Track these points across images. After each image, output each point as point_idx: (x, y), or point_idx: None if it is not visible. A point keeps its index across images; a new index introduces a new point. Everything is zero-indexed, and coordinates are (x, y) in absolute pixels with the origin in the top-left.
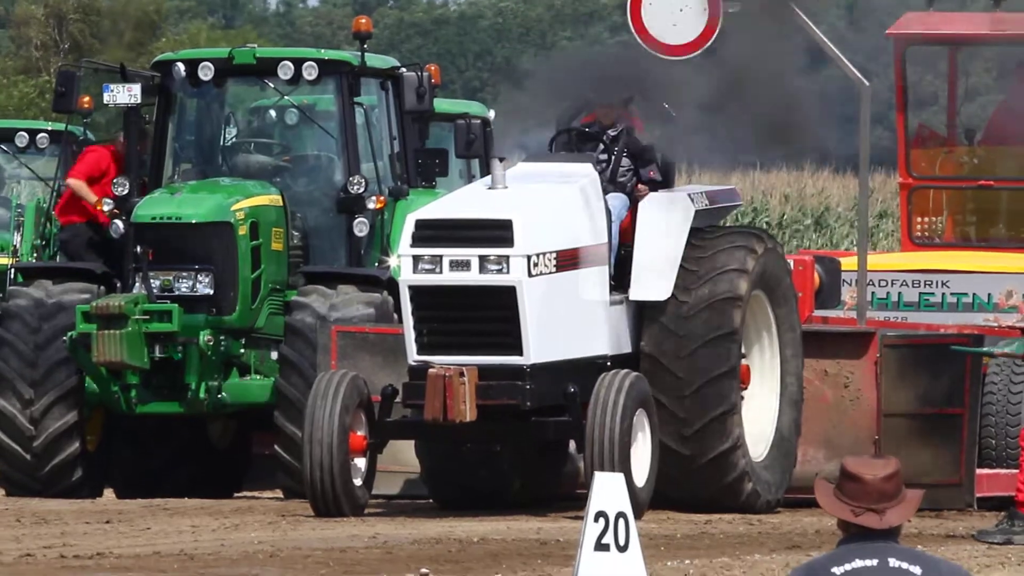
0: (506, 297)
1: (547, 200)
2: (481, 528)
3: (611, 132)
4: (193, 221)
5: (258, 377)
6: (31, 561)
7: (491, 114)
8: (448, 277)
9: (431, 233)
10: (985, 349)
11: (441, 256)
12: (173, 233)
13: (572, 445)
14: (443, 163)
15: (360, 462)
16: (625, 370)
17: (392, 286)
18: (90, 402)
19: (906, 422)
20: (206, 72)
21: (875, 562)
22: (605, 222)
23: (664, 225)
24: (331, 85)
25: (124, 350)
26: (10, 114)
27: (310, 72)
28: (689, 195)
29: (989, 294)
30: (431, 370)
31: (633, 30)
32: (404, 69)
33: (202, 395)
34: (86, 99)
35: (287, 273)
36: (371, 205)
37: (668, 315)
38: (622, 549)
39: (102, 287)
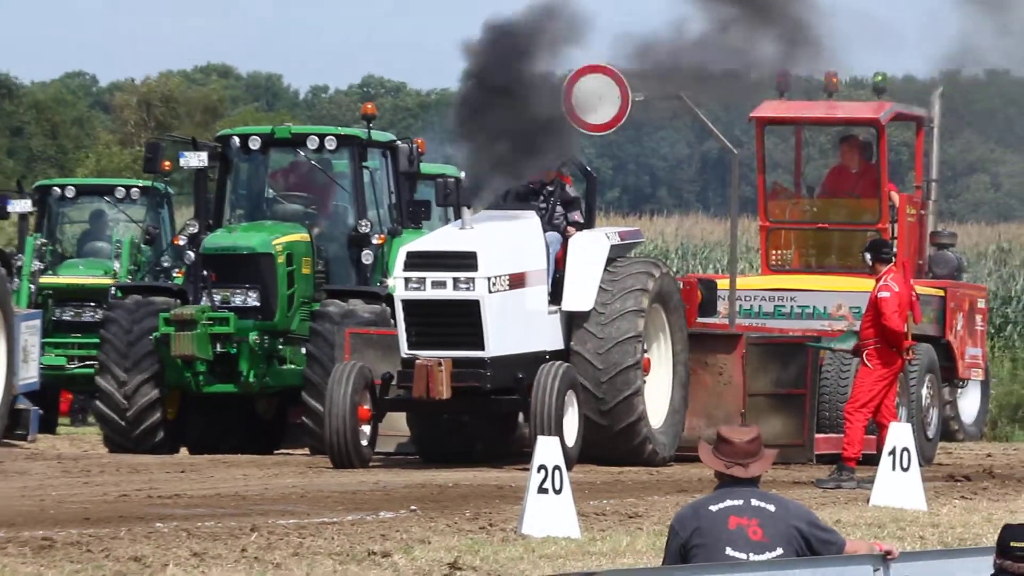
0: (472, 308)
1: (502, 237)
2: (455, 476)
3: (548, 187)
4: (245, 252)
5: (292, 366)
6: (127, 500)
7: (462, 175)
8: (430, 293)
9: (418, 261)
10: (824, 344)
11: (425, 278)
12: (230, 261)
13: (521, 416)
14: (427, 210)
15: (366, 428)
16: (559, 362)
17: (389, 300)
18: (169, 384)
19: (764, 400)
20: (254, 143)
21: (741, 501)
22: (544, 253)
23: (587, 256)
24: (346, 153)
25: (194, 346)
26: (111, 174)
27: (331, 143)
28: (606, 234)
29: (824, 306)
30: (418, 361)
31: (567, 115)
32: (399, 142)
33: (251, 379)
34: (167, 163)
35: (313, 290)
36: (375, 241)
37: (590, 322)
38: (558, 492)
39: (178, 300)
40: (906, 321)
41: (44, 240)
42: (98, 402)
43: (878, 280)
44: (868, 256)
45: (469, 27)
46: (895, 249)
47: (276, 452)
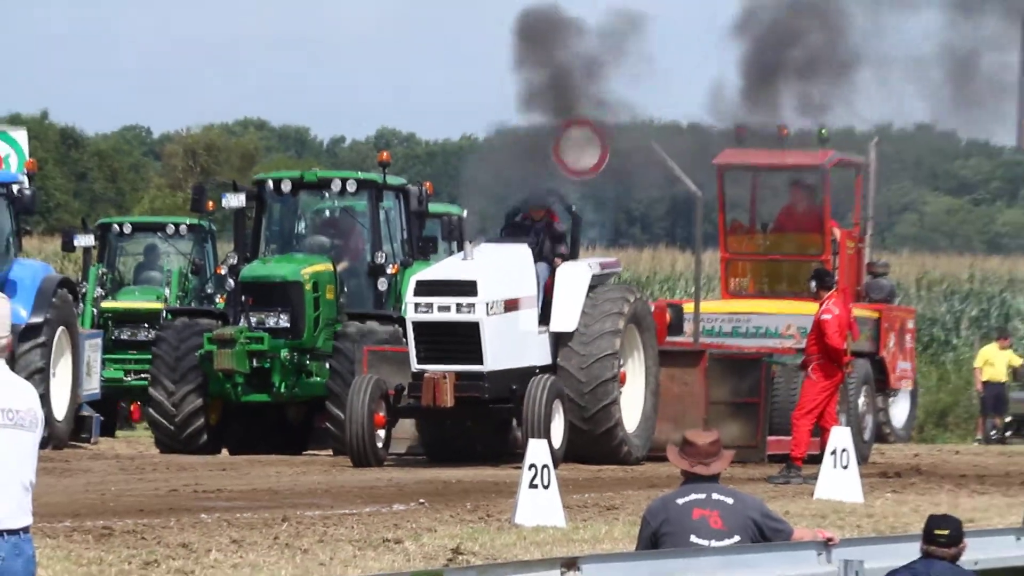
0: (473, 328)
1: (498, 267)
2: (457, 474)
3: (539, 224)
4: (277, 281)
5: (318, 379)
6: (175, 494)
7: (464, 213)
8: (437, 316)
9: (426, 288)
10: (777, 359)
11: (432, 303)
12: (265, 288)
13: (514, 422)
14: (434, 245)
15: (381, 433)
16: (547, 375)
17: (401, 321)
18: (212, 393)
19: (723, 407)
20: (286, 186)
21: (704, 495)
22: (535, 281)
23: (572, 283)
24: (364, 195)
25: (234, 361)
26: (163, 213)
27: (352, 187)
28: (588, 264)
29: (776, 327)
30: (426, 374)
31: (555, 160)
32: (410, 185)
33: (283, 390)
34: (211, 203)
35: (336, 313)
36: (389, 270)
37: (574, 341)
38: (546, 487)
39: (220, 321)
40: (845, 340)
41: (105, 270)
42: (150, 410)
43: (821, 304)
44: (813, 284)
45: (470, 85)
46: (836, 277)
47: (304, 453)
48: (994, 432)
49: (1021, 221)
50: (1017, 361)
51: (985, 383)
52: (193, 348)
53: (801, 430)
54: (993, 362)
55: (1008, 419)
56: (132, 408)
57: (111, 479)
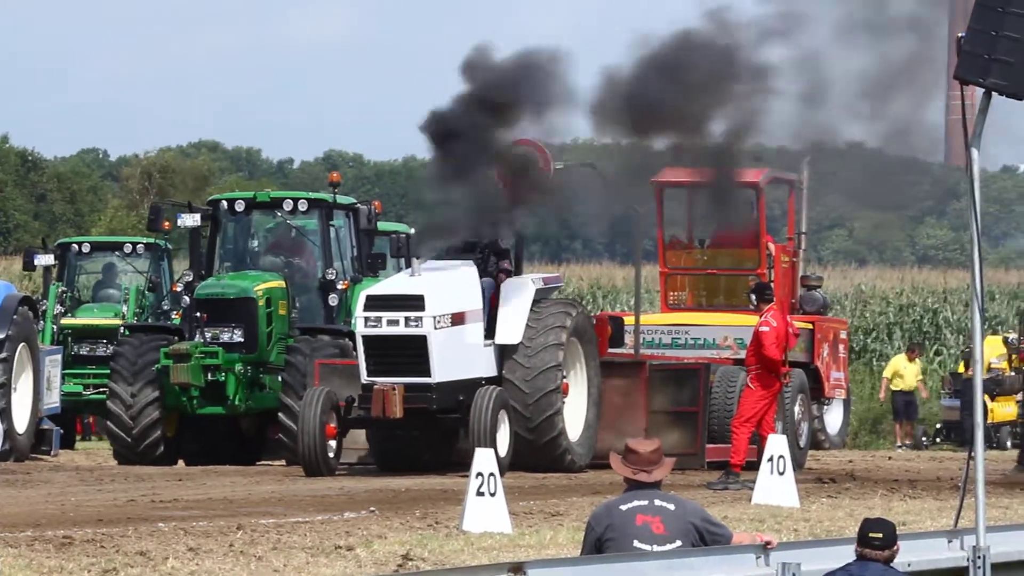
0: (420, 342)
1: (445, 282)
2: (407, 483)
3: (483, 241)
4: (231, 297)
5: (271, 391)
6: (133, 504)
7: (412, 231)
8: (385, 330)
9: (375, 303)
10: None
11: (381, 317)
12: (219, 304)
13: (461, 432)
14: (383, 261)
15: (333, 443)
16: (493, 386)
17: (351, 335)
18: (168, 406)
19: (664, 416)
20: (240, 206)
21: (646, 502)
22: (481, 296)
23: (516, 298)
24: (315, 214)
25: (189, 375)
26: (120, 233)
27: (303, 206)
28: (531, 279)
29: (713, 338)
30: (375, 386)
31: (497, 178)
32: (360, 204)
33: (237, 402)
34: (167, 223)
35: (288, 328)
36: (340, 286)
37: (519, 353)
38: (492, 495)
39: (176, 337)
40: (783, 351)
41: (64, 288)
42: (108, 422)
43: (760, 316)
44: (753, 297)
45: (415, 107)
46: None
47: (258, 463)
48: (925, 439)
49: (949, 235)
50: (916, 375)
51: (896, 392)
52: (150, 363)
53: (740, 438)
54: (902, 373)
55: (937, 425)
56: (90, 421)
57: (71, 490)
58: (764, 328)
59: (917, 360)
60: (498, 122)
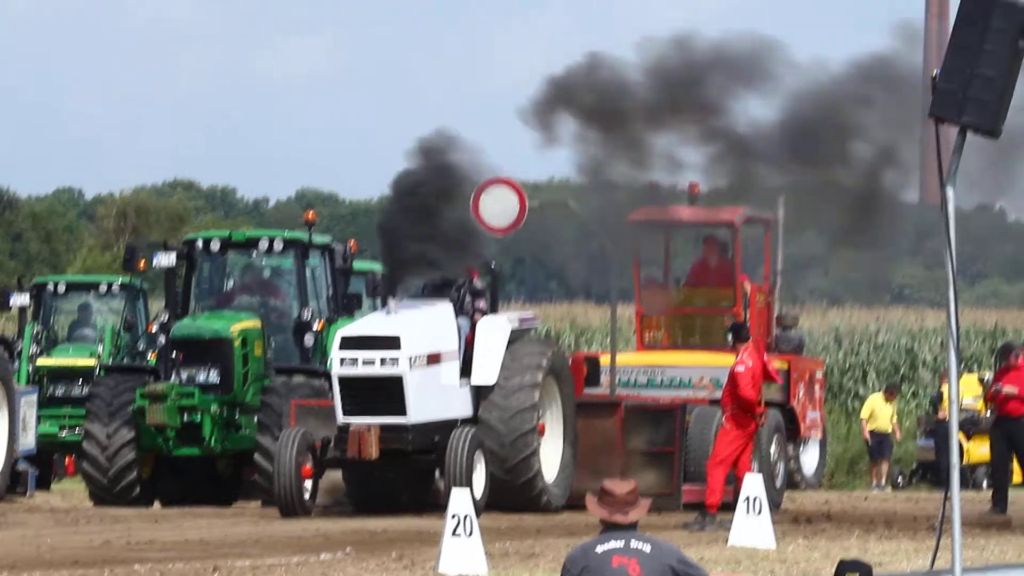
0: (396, 382)
1: (421, 322)
2: (383, 523)
3: (460, 280)
4: (207, 337)
5: (247, 432)
6: (109, 545)
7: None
8: (361, 370)
9: (351, 343)
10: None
11: (357, 357)
12: (195, 344)
13: (437, 472)
14: (359, 301)
15: (308, 484)
16: (469, 426)
17: (327, 376)
18: (144, 447)
19: (640, 457)
20: (215, 245)
21: (622, 543)
22: (456, 336)
23: (492, 337)
24: (291, 253)
25: (165, 416)
26: (96, 272)
27: (278, 245)
28: (507, 319)
29: (689, 378)
30: (351, 427)
31: (474, 218)
32: (335, 243)
33: (213, 443)
34: (142, 263)
35: (264, 368)
36: (315, 326)
37: (495, 393)
38: (469, 535)
39: (152, 377)
40: (759, 391)
41: (40, 328)
42: (84, 463)
43: (736, 356)
44: (730, 337)
45: (390, 145)
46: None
47: (234, 504)
48: (900, 479)
49: (923, 274)
50: (890, 416)
51: (871, 432)
52: (126, 403)
53: (716, 478)
54: (877, 414)
55: (913, 465)
56: (67, 461)
57: (46, 531)
58: (740, 368)
59: (893, 401)
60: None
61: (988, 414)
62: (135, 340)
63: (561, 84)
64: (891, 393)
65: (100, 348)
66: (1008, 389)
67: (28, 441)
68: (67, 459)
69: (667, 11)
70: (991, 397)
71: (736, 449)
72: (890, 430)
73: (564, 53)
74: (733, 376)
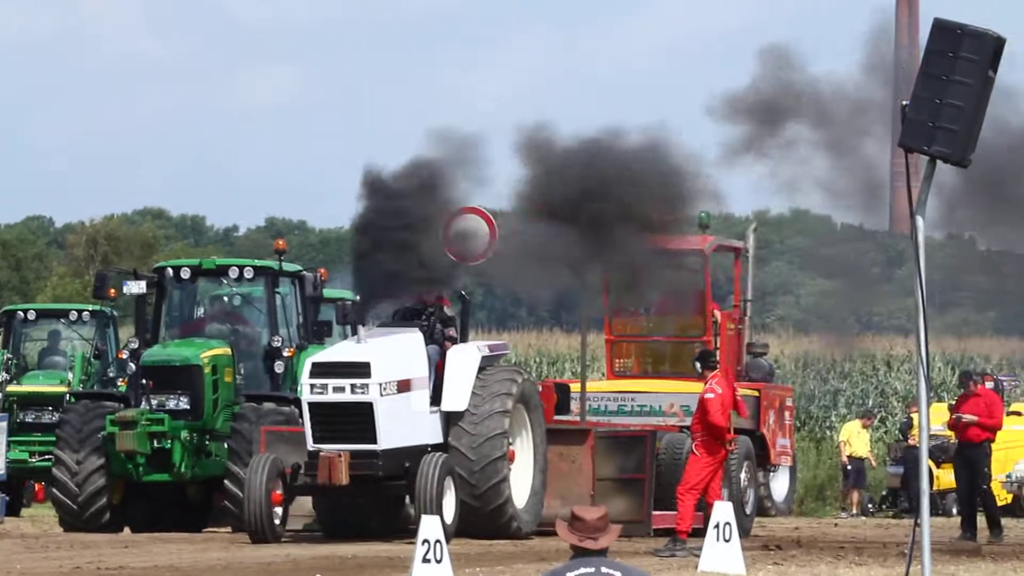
0: (367, 408)
1: (391, 349)
2: (353, 549)
3: (430, 308)
4: (177, 364)
5: (217, 458)
6: (79, 571)
7: (358, 298)
8: (331, 397)
9: (321, 370)
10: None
11: (327, 384)
12: (165, 371)
13: (407, 499)
14: (329, 328)
15: (279, 510)
16: (439, 453)
17: (297, 402)
18: (114, 473)
19: (610, 483)
20: (185, 273)
21: (592, 569)
22: (427, 363)
23: (462, 365)
24: (261, 281)
25: (135, 442)
26: (66, 300)
27: (248, 273)
28: (477, 346)
29: (660, 405)
30: (322, 453)
31: (443, 246)
32: (305, 272)
33: (183, 469)
34: (112, 291)
35: (234, 395)
36: (285, 353)
37: (465, 420)
38: (439, 562)
39: (122, 404)
40: (729, 418)
41: (10, 355)
42: (54, 489)
43: (705, 383)
44: (698, 364)
45: (358, 175)
46: (719, 358)
47: (204, 530)
48: (871, 505)
49: (894, 303)
50: (866, 443)
51: (848, 458)
52: (96, 430)
53: (686, 505)
54: (853, 441)
55: (883, 492)
56: (36, 488)
57: (16, 557)
58: (709, 395)
59: (868, 428)
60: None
61: (955, 441)
62: (105, 367)
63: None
64: (868, 419)
65: (70, 375)
66: (968, 418)
67: None
68: (36, 486)
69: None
70: (952, 425)
71: (707, 476)
72: (866, 456)
73: (532, 85)
74: (703, 403)
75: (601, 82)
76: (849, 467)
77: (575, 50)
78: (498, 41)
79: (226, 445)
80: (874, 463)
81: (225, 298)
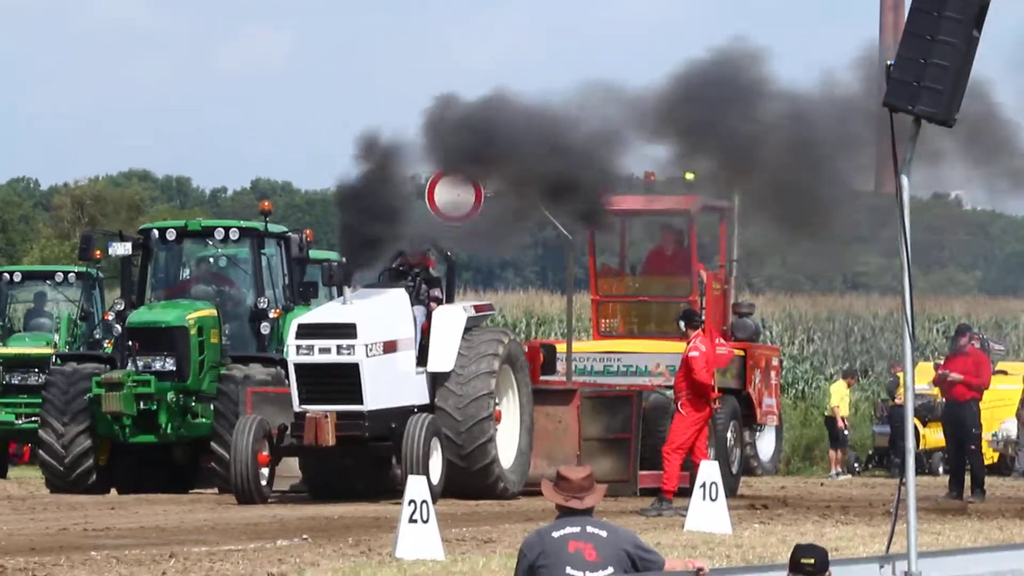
0: (353, 369)
1: (377, 310)
2: (339, 510)
3: (416, 269)
4: (163, 325)
5: (203, 420)
6: (66, 532)
7: (344, 260)
8: (317, 358)
9: (307, 331)
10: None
11: (313, 345)
12: (151, 333)
13: (394, 459)
14: (315, 289)
15: (265, 471)
16: (426, 414)
17: (283, 363)
18: (100, 435)
19: (596, 443)
20: (171, 235)
21: (578, 528)
22: (413, 324)
23: (448, 326)
24: (247, 243)
25: (121, 404)
26: (52, 262)
27: (234, 235)
28: (463, 307)
29: (646, 365)
30: (308, 414)
31: (428, 207)
32: (291, 233)
33: (169, 431)
34: (98, 252)
35: (220, 356)
36: (271, 315)
37: (451, 381)
38: (425, 522)
39: (108, 366)
40: (712, 376)
41: None
42: (41, 451)
43: (688, 342)
44: (682, 323)
45: (345, 135)
46: (703, 317)
47: (190, 492)
48: (856, 464)
49: (879, 262)
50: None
51: (829, 419)
52: (82, 392)
53: (672, 464)
54: (842, 404)
55: (869, 451)
56: (24, 449)
57: (2, 518)
58: (693, 353)
59: (851, 387)
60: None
61: (942, 400)
62: (91, 329)
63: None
64: (851, 379)
65: (56, 337)
66: (953, 376)
67: None
68: (25, 447)
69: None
70: (937, 381)
71: (692, 435)
72: (846, 415)
73: (522, 48)
74: (687, 361)
75: (598, 41)
76: (846, 431)
77: (574, 11)
78: (490, 5)
79: (212, 406)
80: (850, 424)
81: (211, 259)
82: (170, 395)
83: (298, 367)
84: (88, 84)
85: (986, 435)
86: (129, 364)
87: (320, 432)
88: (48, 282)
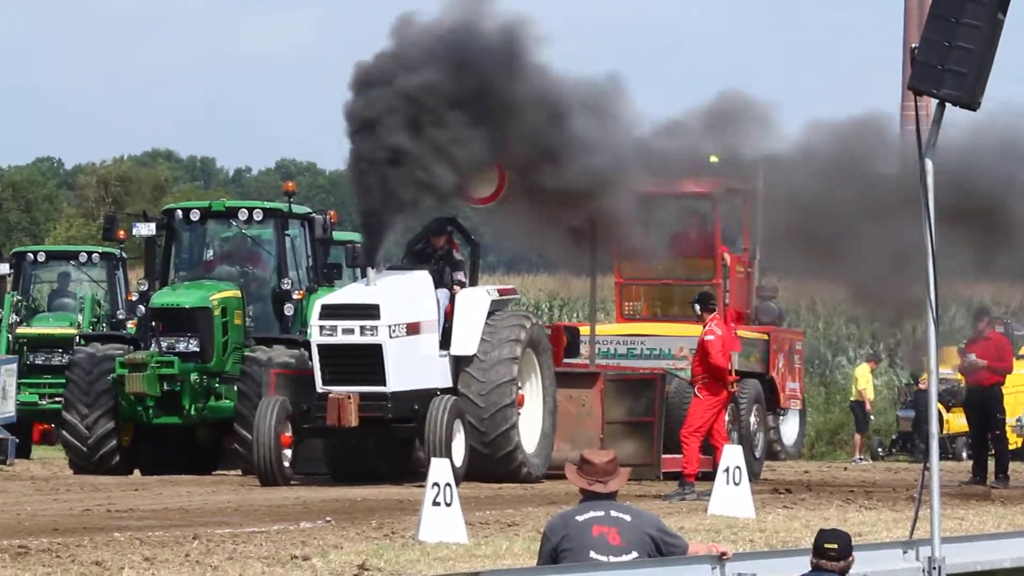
0: (376, 350)
1: (400, 292)
2: (362, 492)
3: (439, 251)
4: (187, 306)
5: (226, 401)
6: (89, 514)
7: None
8: (341, 339)
9: (331, 312)
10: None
11: (337, 326)
12: (174, 314)
13: (417, 441)
14: (339, 271)
15: (288, 452)
16: (449, 395)
17: (307, 344)
18: (124, 416)
19: (619, 427)
20: (195, 215)
21: (602, 512)
22: (436, 306)
23: (471, 309)
24: (271, 223)
25: (145, 385)
26: (76, 242)
27: (258, 215)
28: (487, 290)
29: (669, 348)
30: (330, 395)
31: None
32: (315, 214)
33: (193, 412)
34: (122, 232)
35: (244, 337)
36: (295, 296)
37: (473, 366)
38: (448, 505)
39: (131, 346)
40: (729, 359)
41: (20, 297)
42: (64, 432)
43: (704, 326)
44: (697, 306)
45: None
46: (728, 301)
47: (213, 473)
48: (880, 449)
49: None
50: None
51: (856, 403)
52: (105, 372)
53: (691, 448)
54: (868, 387)
55: (893, 436)
56: (46, 429)
57: (26, 499)
58: (709, 337)
59: (874, 371)
60: None
61: (965, 385)
62: (115, 309)
63: None
64: (874, 363)
65: (80, 317)
66: (978, 362)
67: (8, 410)
68: (46, 427)
69: None
70: (962, 368)
71: (709, 418)
72: (872, 399)
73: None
74: (703, 345)
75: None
76: (872, 415)
77: None
78: None
79: (235, 388)
80: (873, 409)
81: (235, 240)
82: (193, 376)
83: (321, 348)
84: (113, 64)
85: (1009, 420)
86: (153, 345)
87: (343, 413)
88: (72, 262)
